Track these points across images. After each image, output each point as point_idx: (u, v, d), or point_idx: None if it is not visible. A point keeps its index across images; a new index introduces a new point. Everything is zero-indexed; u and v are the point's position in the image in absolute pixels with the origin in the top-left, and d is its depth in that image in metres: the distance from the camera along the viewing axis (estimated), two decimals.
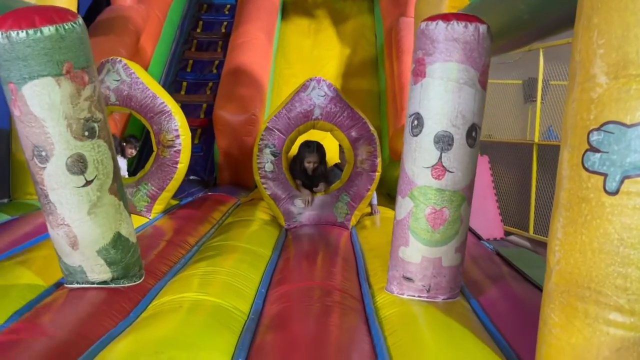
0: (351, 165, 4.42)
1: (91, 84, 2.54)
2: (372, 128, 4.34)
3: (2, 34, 2.35)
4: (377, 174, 4.36)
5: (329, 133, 4.51)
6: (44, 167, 2.52)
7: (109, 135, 2.68)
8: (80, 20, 2.51)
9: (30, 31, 2.34)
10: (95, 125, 2.57)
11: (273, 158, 4.34)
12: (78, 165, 2.53)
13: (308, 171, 4.56)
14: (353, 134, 4.34)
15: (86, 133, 2.53)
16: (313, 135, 4.73)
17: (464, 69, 2.47)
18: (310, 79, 4.32)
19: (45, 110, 2.43)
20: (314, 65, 7.60)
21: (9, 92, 2.44)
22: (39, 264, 3.00)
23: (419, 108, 2.57)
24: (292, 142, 4.44)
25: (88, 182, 2.57)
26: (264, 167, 4.35)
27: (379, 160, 4.34)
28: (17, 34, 2.34)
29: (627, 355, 1.54)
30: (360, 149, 4.34)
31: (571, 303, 1.64)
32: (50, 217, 2.62)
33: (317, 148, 4.59)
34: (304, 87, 4.31)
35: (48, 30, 2.36)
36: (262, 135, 4.32)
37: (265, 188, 4.39)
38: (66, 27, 2.41)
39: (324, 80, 4.31)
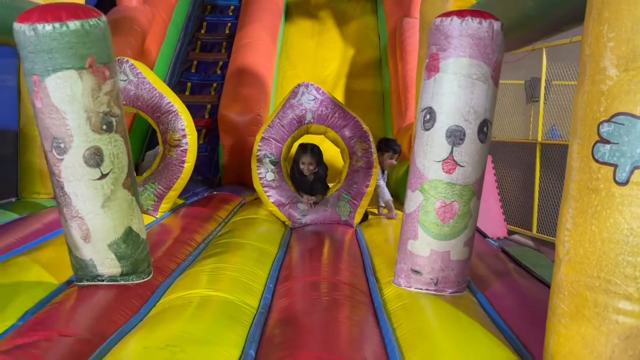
0: (347, 164, 4.46)
1: (111, 79, 2.61)
2: (364, 125, 4.40)
3: (28, 27, 2.41)
4: (375, 170, 4.41)
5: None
6: (62, 159, 2.57)
7: (125, 131, 2.73)
8: (103, 17, 2.57)
9: (57, 24, 2.41)
10: (113, 119, 2.62)
11: (273, 167, 4.39)
12: (95, 158, 2.58)
13: (305, 172, 4.58)
14: (346, 133, 4.39)
15: (104, 127, 2.58)
16: (309, 139, 4.76)
17: (477, 65, 2.50)
18: (299, 85, 4.39)
19: (66, 102, 2.49)
20: (317, 66, 7.62)
21: (32, 83, 2.50)
22: (49, 261, 3.02)
23: (431, 102, 2.61)
24: (289, 148, 4.50)
25: (103, 175, 2.62)
26: (265, 177, 4.39)
27: (375, 157, 4.40)
28: (44, 27, 2.40)
29: (636, 343, 1.56)
30: (355, 147, 4.39)
31: (580, 293, 1.66)
32: (65, 209, 2.66)
33: (311, 149, 4.61)
34: (293, 93, 4.38)
35: (74, 24, 2.43)
36: (258, 145, 4.38)
37: (268, 196, 4.44)
38: (91, 22, 2.48)
39: (312, 85, 4.38)
